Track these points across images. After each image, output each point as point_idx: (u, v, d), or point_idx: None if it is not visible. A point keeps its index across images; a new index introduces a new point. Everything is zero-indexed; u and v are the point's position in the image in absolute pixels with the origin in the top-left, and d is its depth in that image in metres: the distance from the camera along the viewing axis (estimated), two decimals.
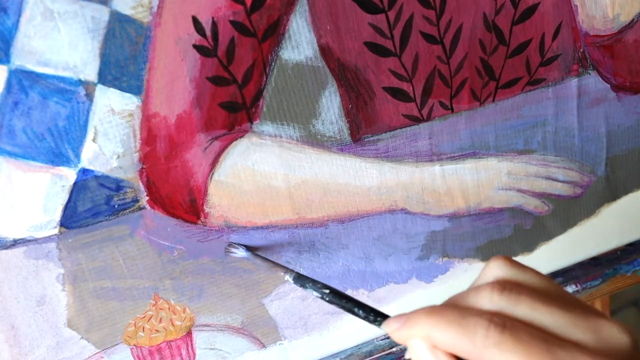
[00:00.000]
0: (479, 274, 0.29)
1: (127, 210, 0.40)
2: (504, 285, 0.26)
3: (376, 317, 0.31)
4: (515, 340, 0.24)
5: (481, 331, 0.25)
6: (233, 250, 0.43)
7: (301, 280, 0.37)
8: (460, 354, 0.25)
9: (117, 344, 0.42)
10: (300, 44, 0.40)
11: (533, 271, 0.28)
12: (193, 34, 0.37)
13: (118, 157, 0.38)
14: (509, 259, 0.28)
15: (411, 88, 0.43)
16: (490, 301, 0.26)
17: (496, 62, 0.45)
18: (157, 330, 0.43)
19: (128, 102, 0.38)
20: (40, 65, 0.35)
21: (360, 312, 0.32)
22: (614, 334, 0.25)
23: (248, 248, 0.43)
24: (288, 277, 0.38)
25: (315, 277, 0.45)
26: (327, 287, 0.34)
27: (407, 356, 0.29)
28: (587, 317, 0.26)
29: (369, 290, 0.47)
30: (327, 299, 0.34)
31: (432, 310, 0.26)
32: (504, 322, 0.25)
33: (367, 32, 0.41)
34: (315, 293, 0.35)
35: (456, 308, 0.26)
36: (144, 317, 0.42)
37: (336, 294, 0.34)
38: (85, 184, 0.38)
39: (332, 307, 0.47)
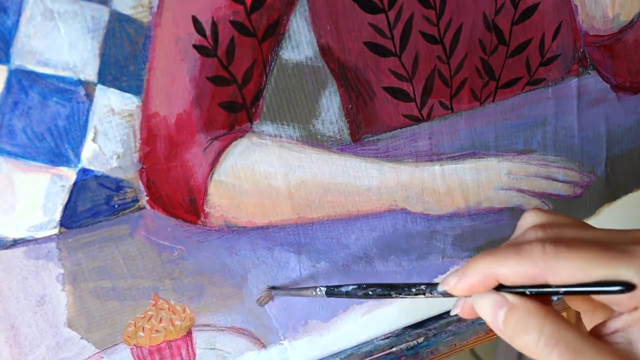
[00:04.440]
0: (515, 230, 0.31)
1: (127, 210, 0.40)
2: (544, 225, 0.28)
3: (427, 287, 0.31)
4: (570, 248, 0.26)
5: (537, 250, 0.26)
6: (265, 298, 0.44)
7: (332, 291, 0.38)
8: (525, 281, 0.26)
9: (117, 344, 0.42)
10: (300, 44, 0.40)
11: (564, 214, 0.30)
12: (193, 33, 0.37)
13: (118, 157, 0.38)
14: (541, 209, 0.30)
15: (411, 88, 0.43)
16: (536, 235, 0.27)
17: (496, 62, 0.45)
18: (157, 330, 0.43)
19: (128, 102, 0.38)
20: (40, 65, 0.35)
21: (413, 290, 0.32)
22: None
23: (273, 288, 0.44)
24: (320, 293, 0.39)
25: (316, 277, 0.45)
26: (362, 285, 0.35)
27: (454, 312, 0.30)
28: (623, 231, 0.27)
29: None
30: (371, 293, 0.34)
31: (487, 251, 0.28)
32: (556, 239, 0.26)
33: (367, 32, 0.41)
34: (358, 294, 0.35)
35: (508, 245, 0.28)
36: (144, 317, 0.42)
37: (377, 286, 0.34)
38: (85, 184, 0.38)
39: (332, 307, 0.47)
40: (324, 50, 0.40)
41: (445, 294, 0.29)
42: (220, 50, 0.38)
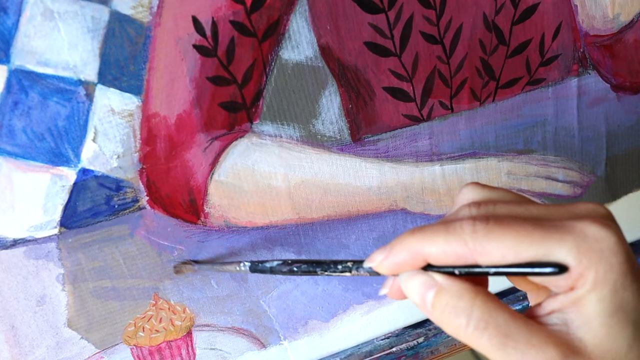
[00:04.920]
0: (452, 205, 0.29)
1: (127, 210, 0.40)
2: (480, 202, 0.26)
3: (354, 264, 0.29)
4: (501, 226, 0.24)
5: (468, 228, 0.24)
6: (183, 269, 0.42)
7: (257, 266, 0.35)
8: (454, 260, 0.25)
9: (117, 344, 0.42)
10: (300, 44, 0.40)
11: (504, 189, 0.28)
12: (193, 33, 0.37)
13: (118, 157, 0.38)
14: (479, 183, 0.28)
15: (411, 88, 0.43)
16: (470, 213, 0.26)
17: (496, 62, 0.45)
18: (157, 330, 0.43)
19: (128, 102, 0.38)
20: (40, 65, 0.35)
21: (339, 267, 0.29)
22: (589, 206, 0.25)
23: (196, 262, 0.42)
24: (243, 268, 0.36)
25: (316, 277, 0.45)
26: (287, 261, 0.33)
27: (382, 292, 0.28)
28: (562, 205, 0.26)
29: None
30: (296, 269, 0.32)
31: (416, 228, 0.26)
32: (487, 217, 0.25)
33: (367, 32, 0.41)
34: (283, 270, 0.33)
35: (439, 222, 0.26)
36: (144, 317, 0.42)
37: (303, 262, 0.31)
38: (85, 184, 0.38)
39: (332, 307, 0.47)
40: (324, 50, 0.40)
41: (372, 272, 0.27)
42: (220, 50, 0.38)
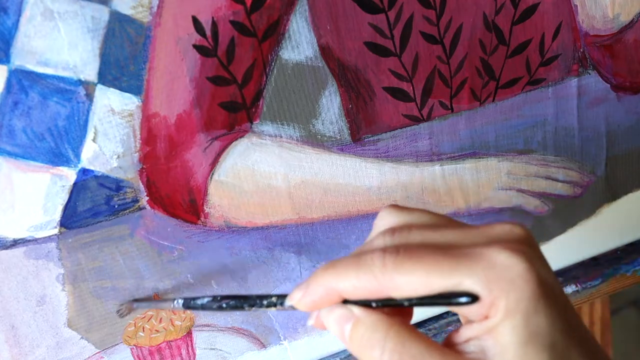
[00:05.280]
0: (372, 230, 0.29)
1: (127, 210, 0.40)
2: (395, 229, 0.26)
3: (278, 299, 0.29)
4: (411, 258, 0.24)
5: (378, 262, 0.24)
6: (125, 310, 0.42)
7: (189, 303, 0.36)
8: (367, 295, 0.25)
9: (117, 344, 0.42)
10: (300, 44, 0.40)
11: (422, 210, 0.28)
12: (193, 33, 0.37)
13: (118, 157, 0.38)
14: (396, 206, 0.28)
15: (411, 88, 0.43)
16: (384, 242, 0.26)
17: (496, 62, 0.45)
18: (157, 331, 0.43)
19: (128, 102, 0.38)
20: (40, 65, 0.35)
21: (264, 302, 0.30)
22: (505, 228, 0.25)
23: (135, 300, 0.42)
24: (177, 305, 0.37)
25: None
26: (216, 297, 0.33)
27: (309, 323, 0.28)
28: (478, 228, 0.26)
29: None
30: (225, 306, 0.33)
31: (329, 263, 0.26)
32: (397, 248, 0.24)
33: (367, 32, 0.41)
34: (213, 307, 0.33)
35: (352, 255, 0.26)
36: (144, 317, 0.42)
37: (231, 298, 0.32)
38: (85, 184, 0.38)
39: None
40: (324, 50, 0.41)
41: (294, 308, 0.28)
42: (220, 50, 0.38)
